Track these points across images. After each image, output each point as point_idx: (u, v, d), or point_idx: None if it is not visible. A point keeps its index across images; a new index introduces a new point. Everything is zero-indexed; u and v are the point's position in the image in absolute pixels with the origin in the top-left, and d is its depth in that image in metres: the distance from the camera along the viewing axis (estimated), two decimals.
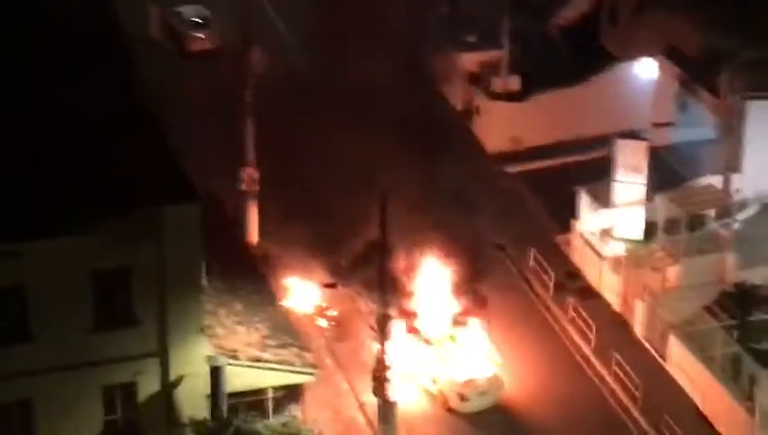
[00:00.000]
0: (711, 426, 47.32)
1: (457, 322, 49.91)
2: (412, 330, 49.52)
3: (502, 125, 62.72)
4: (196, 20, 68.27)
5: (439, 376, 47.89)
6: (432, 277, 51.17)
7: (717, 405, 47.27)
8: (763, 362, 47.39)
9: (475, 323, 50.14)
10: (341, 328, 51.04)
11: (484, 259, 54.85)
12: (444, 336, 49.24)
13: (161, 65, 62.12)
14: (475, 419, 46.98)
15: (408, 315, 49.84)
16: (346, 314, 51.65)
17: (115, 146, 39.11)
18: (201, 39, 67.62)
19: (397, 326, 46.83)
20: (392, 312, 44.37)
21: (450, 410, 47.30)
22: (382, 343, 43.29)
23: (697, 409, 48.05)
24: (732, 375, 47.43)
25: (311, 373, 42.59)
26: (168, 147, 40.55)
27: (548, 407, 47.80)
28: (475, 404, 47.24)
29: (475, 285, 52.16)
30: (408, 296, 50.63)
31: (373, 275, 45.84)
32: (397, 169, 54.24)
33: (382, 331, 43.31)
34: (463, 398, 47.21)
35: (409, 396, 47.24)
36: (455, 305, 50.42)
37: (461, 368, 47.76)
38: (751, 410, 45.49)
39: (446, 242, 53.45)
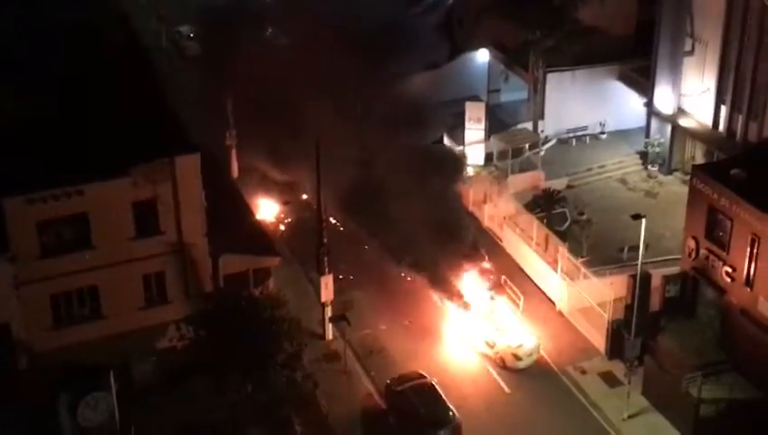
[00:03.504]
0: (531, 280, 47.92)
1: (491, 297, 45.38)
2: (465, 306, 45.01)
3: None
4: (190, 34, 67.37)
5: (495, 341, 42.98)
6: (470, 269, 46.29)
7: (535, 266, 47.89)
8: (562, 238, 48.17)
9: (501, 298, 45.76)
10: (296, 229, 50.90)
11: None
12: (491, 311, 44.59)
13: (169, 65, 61.22)
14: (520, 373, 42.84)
15: (459, 296, 45.41)
16: (298, 221, 51.53)
17: (143, 118, 38.62)
18: (194, 47, 66.61)
19: (452, 305, 45.06)
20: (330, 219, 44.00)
21: (505, 367, 42.63)
22: (320, 237, 43.24)
23: (522, 269, 48.65)
24: (543, 247, 48.06)
25: (276, 258, 42.58)
26: (178, 118, 40.12)
27: None
28: (525, 363, 42.58)
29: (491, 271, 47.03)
30: (456, 282, 45.96)
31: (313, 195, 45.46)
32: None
33: (320, 230, 43.32)
34: (517, 358, 42.52)
35: (468, 357, 43.47)
36: (485, 285, 45.86)
37: (513, 335, 43.10)
38: (555, 269, 46.22)
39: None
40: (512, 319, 44.33)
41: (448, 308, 45.34)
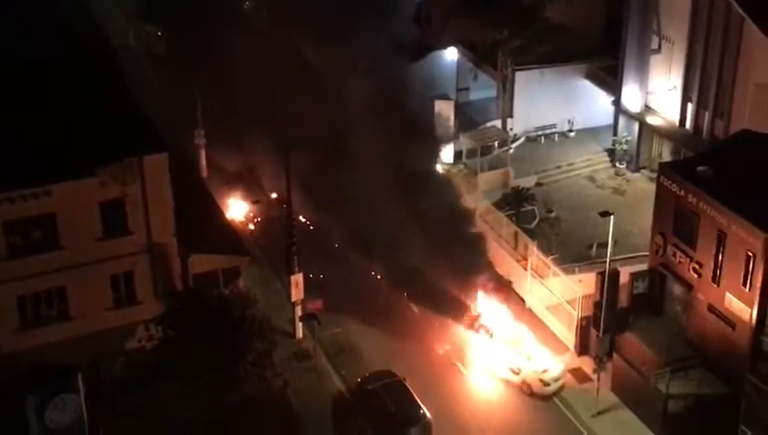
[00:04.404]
0: (501, 276, 47.76)
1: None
2: (487, 332, 43.25)
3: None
4: (158, 33, 66.83)
5: (521, 368, 41.32)
6: (487, 295, 44.54)
7: (505, 264, 47.85)
8: (531, 236, 48.25)
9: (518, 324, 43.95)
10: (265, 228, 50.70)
11: None
12: (515, 337, 42.77)
13: (136, 64, 60.71)
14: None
15: (479, 323, 43.59)
16: (267, 220, 51.26)
17: (111, 118, 38.28)
18: (162, 46, 66.10)
19: (476, 332, 43.21)
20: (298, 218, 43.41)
21: (532, 394, 40.98)
22: (289, 234, 42.99)
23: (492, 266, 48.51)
24: (513, 245, 48.10)
25: (245, 258, 42.35)
26: (146, 118, 39.81)
27: None
28: (552, 388, 40.98)
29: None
30: (473, 308, 44.22)
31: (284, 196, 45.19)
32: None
33: (290, 229, 43.10)
34: (545, 383, 40.90)
35: (490, 385, 41.88)
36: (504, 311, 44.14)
37: (540, 361, 41.52)
38: (525, 266, 46.27)
39: None
40: (534, 343, 42.84)
41: (469, 336, 43.64)
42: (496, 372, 42.03)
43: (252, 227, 51.22)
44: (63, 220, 36.74)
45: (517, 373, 41.50)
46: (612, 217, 39.03)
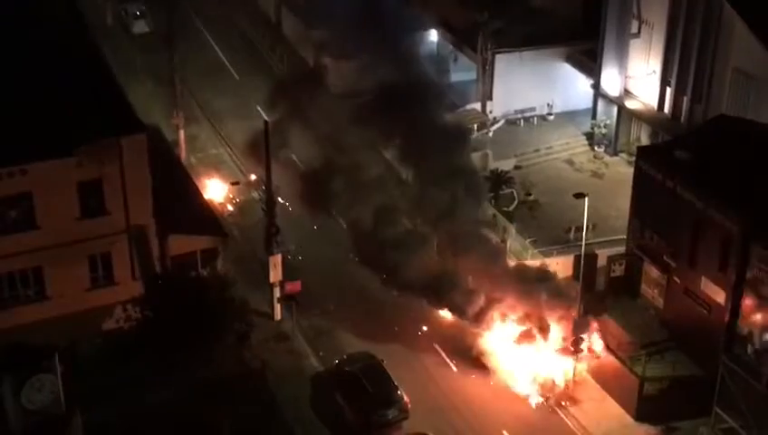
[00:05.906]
0: None
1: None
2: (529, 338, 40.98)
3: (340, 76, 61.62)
4: (137, 12, 66.47)
5: (551, 385, 39.87)
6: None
7: None
8: (509, 218, 48.33)
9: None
10: (244, 211, 50.56)
11: None
12: (558, 346, 40.39)
13: (115, 44, 60.43)
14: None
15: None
16: (246, 202, 51.10)
17: (89, 98, 38.03)
18: (140, 25, 65.87)
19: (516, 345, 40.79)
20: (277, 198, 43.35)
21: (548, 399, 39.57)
22: (269, 216, 42.87)
23: None
24: (491, 227, 48.12)
25: (224, 238, 42.26)
26: (125, 98, 39.58)
27: None
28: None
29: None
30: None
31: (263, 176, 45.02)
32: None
33: (270, 210, 42.98)
34: (566, 397, 39.54)
35: (533, 395, 39.90)
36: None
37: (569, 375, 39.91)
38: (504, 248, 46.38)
39: None
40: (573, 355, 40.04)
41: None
42: (522, 379, 40.35)
43: (231, 208, 51.03)
44: (40, 200, 36.53)
45: (546, 389, 39.86)
46: (587, 198, 39.02)
